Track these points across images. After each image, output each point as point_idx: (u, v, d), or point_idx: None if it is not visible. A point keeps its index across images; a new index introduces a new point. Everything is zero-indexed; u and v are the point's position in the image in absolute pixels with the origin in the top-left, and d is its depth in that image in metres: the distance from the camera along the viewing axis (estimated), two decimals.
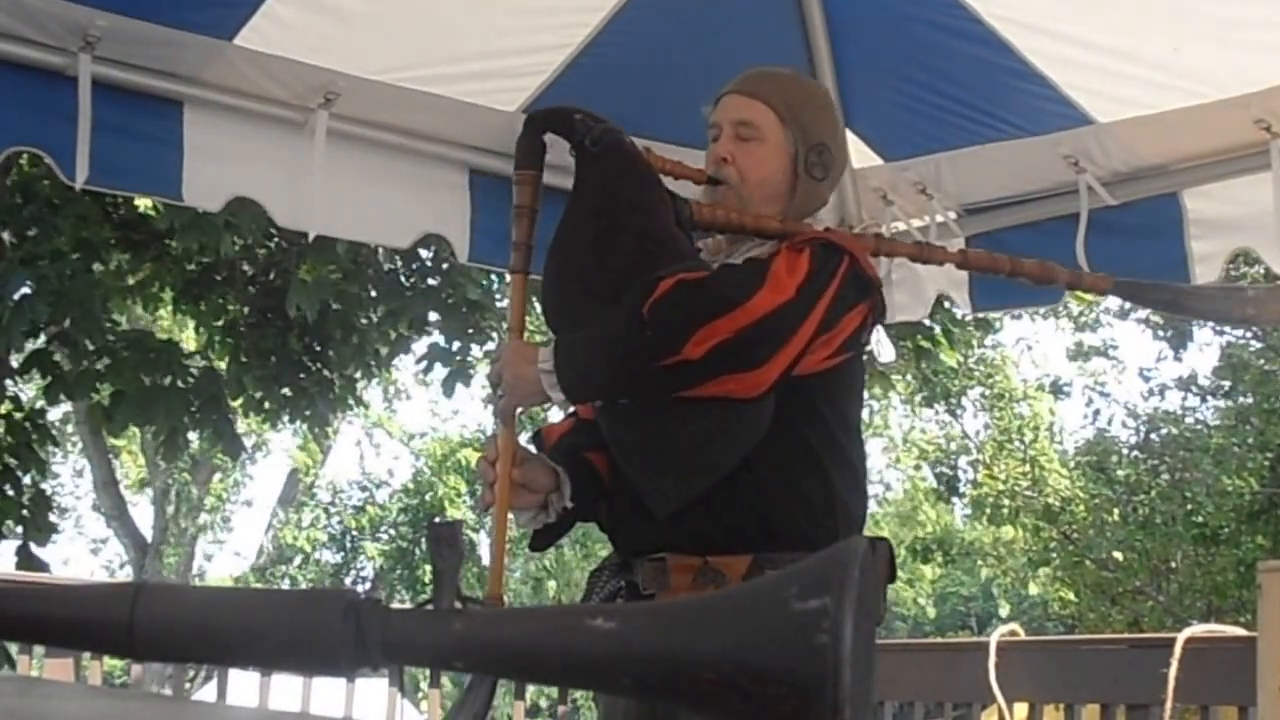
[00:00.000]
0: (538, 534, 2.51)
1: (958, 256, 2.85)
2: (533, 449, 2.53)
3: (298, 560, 21.99)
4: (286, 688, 4.34)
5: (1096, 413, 16.67)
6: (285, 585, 21.16)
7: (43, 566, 7.20)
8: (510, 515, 2.44)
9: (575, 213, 2.42)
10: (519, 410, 2.45)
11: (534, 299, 3.18)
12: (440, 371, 8.60)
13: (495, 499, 2.37)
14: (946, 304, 4.47)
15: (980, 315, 8.28)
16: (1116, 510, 15.04)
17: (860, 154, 4.16)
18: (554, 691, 10.32)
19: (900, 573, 21.82)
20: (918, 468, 18.67)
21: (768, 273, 2.29)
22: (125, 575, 19.15)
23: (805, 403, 2.36)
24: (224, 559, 28.60)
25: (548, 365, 2.29)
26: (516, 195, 2.49)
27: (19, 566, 6.95)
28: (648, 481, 2.35)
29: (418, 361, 8.75)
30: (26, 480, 7.43)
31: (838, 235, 2.51)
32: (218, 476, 21.13)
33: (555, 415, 3.81)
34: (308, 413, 8.59)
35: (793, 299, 2.27)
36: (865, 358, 2.53)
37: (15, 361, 7.48)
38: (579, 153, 2.41)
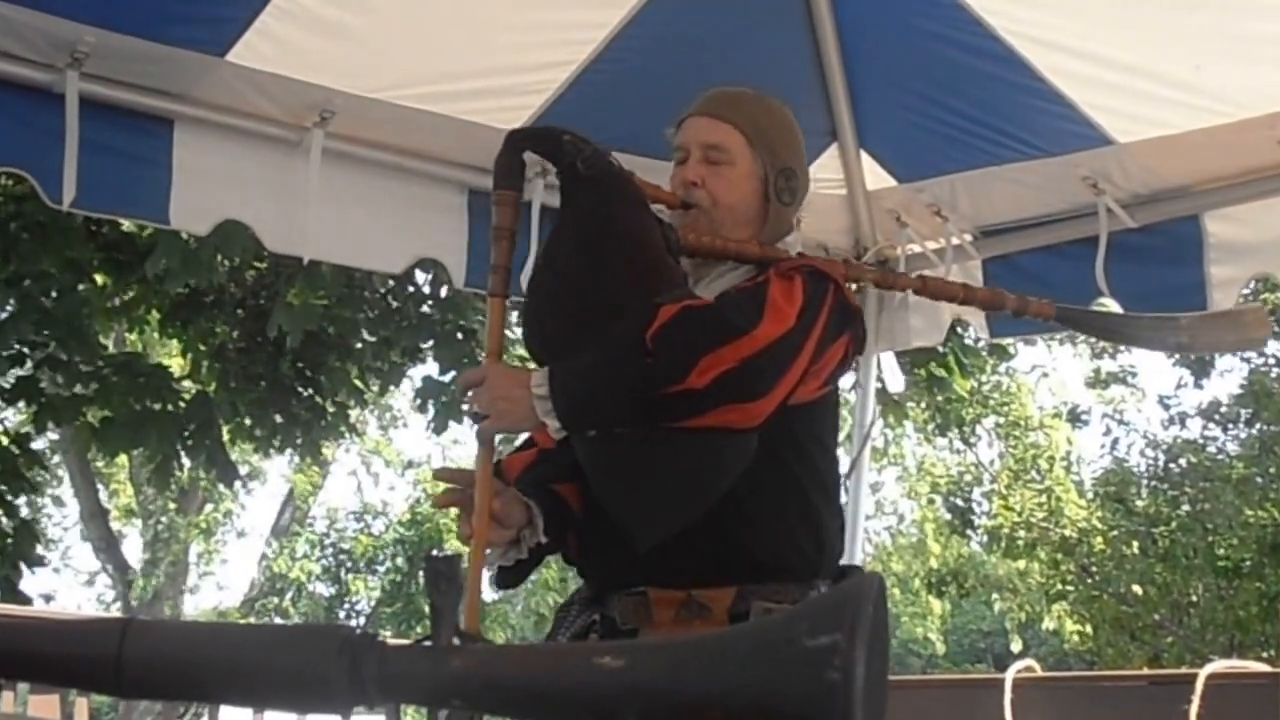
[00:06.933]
0: (505, 571, 2.42)
1: (916, 283, 2.94)
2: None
3: (290, 593, 21.75)
4: None
5: (1115, 441, 16.53)
6: (276, 619, 20.97)
7: (25, 600, 7.11)
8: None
9: (566, 237, 2.35)
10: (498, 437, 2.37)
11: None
12: (433, 407, 8.45)
13: (473, 530, 2.28)
14: (960, 330, 4.38)
15: (995, 341, 8.22)
16: (1136, 542, 14.87)
17: (874, 175, 4.08)
18: None
19: (913, 607, 21.56)
20: (930, 501, 18.53)
21: (766, 300, 2.23)
22: (117, 609, 18.94)
23: (790, 433, 2.31)
24: (214, 591, 28.68)
25: (542, 391, 2.19)
26: (496, 216, 2.41)
27: (2, 600, 6.85)
28: (631, 513, 2.27)
29: (415, 397, 8.61)
30: (16, 504, 7.35)
31: (820, 261, 2.46)
32: (209, 507, 20.97)
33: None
34: (299, 440, 8.49)
35: (793, 328, 2.22)
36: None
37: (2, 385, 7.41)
38: (568, 175, 2.32)
